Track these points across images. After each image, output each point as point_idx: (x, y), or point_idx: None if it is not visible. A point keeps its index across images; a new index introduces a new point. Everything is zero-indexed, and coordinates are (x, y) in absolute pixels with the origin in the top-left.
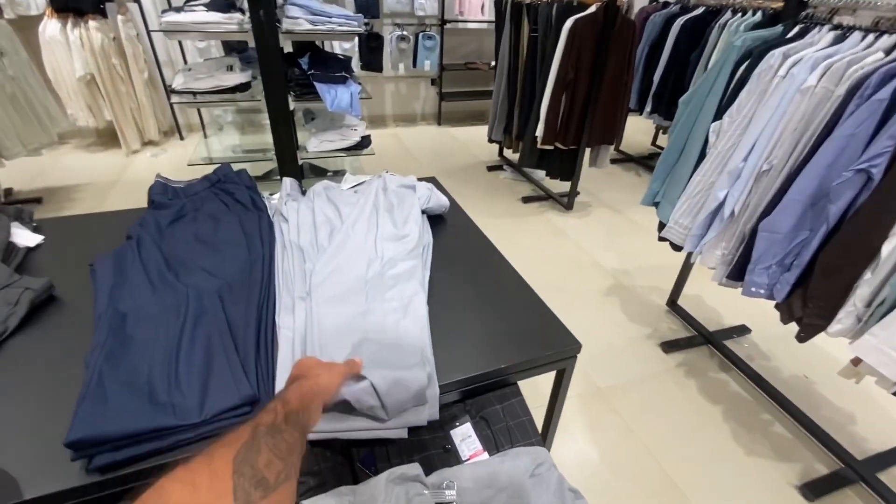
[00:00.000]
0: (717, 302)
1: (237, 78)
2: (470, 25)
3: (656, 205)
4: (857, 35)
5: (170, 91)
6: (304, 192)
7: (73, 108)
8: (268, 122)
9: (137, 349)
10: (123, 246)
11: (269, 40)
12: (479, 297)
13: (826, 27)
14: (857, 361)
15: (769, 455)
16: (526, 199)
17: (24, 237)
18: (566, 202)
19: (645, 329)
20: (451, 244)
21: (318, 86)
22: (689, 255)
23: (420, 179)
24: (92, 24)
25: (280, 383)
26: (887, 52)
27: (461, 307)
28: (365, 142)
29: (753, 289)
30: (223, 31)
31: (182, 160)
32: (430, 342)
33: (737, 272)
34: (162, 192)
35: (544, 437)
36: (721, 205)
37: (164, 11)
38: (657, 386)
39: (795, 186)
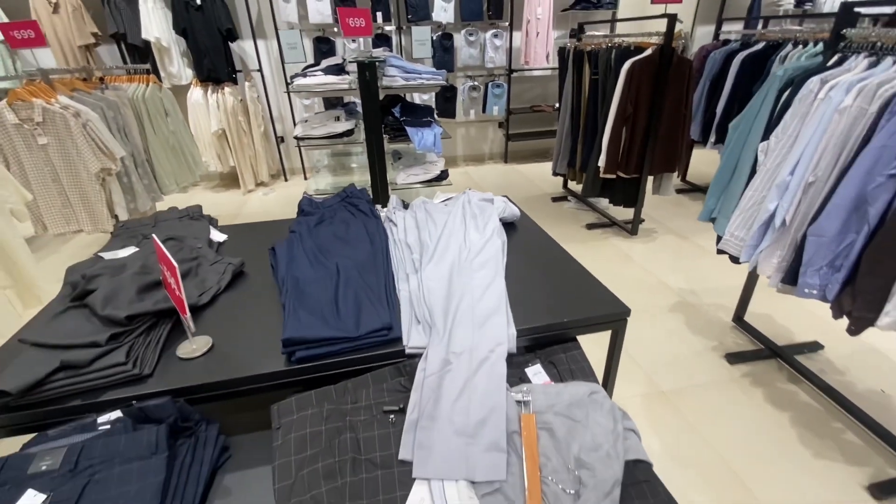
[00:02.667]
0: (786, 319)
1: (344, 126)
2: (535, 73)
3: (713, 221)
4: (888, 60)
5: (295, 138)
6: (405, 206)
7: (206, 156)
8: (355, 164)
9: (311, 297)
10: (290, 237)
11: (371, 94)
12: (544, 275)
13: (862, 55)
14: None
15: (838, 458)
16: (590, 226)
17: (217, 235)
18: (630, 228)
19: (710, 342)
20: (521, 241)
21: (408, 129)
22: (753, 270)
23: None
24: (226, 89)
25: (405, 319)
26: None
27: (531, 281)
28: (443, 175)
29: (807, 290)
30: (338, 90)
31: (286, 197)
32: (508, 305)
33: (791, 277)
34: (308, 204)
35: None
36: (772, 216)
37: (293, 77)
38: (721, 392)
39: (838, 193)
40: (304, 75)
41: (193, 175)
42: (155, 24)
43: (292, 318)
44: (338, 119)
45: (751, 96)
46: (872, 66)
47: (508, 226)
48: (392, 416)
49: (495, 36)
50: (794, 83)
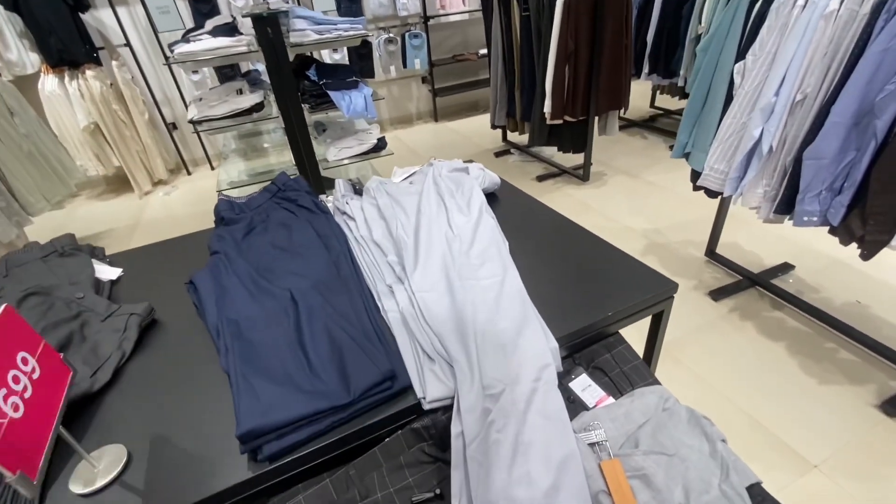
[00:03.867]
0: (754, 245)
1: (251, 99)
2: (452, 18)
3: (687, 156)
4: None
5: (191, 122)
6: (358, 192)
7: (81, 158)
8: (267, 145)
9: (262, 349)
10: (213, 261)
11: (279, 56)
12: (563, 260)
13: None
14: None
15: (842, 381)
16: (541, 178)
17: (105, 271)
18: (582, 174)
19: (690, 281)
20: (515, 217)
21: (332, 94)
22: (723, 202)
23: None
24: (89, 73)
25: (407, 357)
26: None
27: (548, 271)
28: (381, 143)
29: (806, 218)
30: (234, 54)
31: (193, 194)
32: (534, 307)
33: (784, 206)
34: (228, 208)
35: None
36: (758, 142)
37: (171, 45)
38: (715, 333)
39: (836, 110)
40: (187, 41)
41: (66, 185)
42: None
43: (245, 393)
44: (240, 92)
45: (679, 20)
46: None
47: (490, 197)
48: None
49: None
50: None
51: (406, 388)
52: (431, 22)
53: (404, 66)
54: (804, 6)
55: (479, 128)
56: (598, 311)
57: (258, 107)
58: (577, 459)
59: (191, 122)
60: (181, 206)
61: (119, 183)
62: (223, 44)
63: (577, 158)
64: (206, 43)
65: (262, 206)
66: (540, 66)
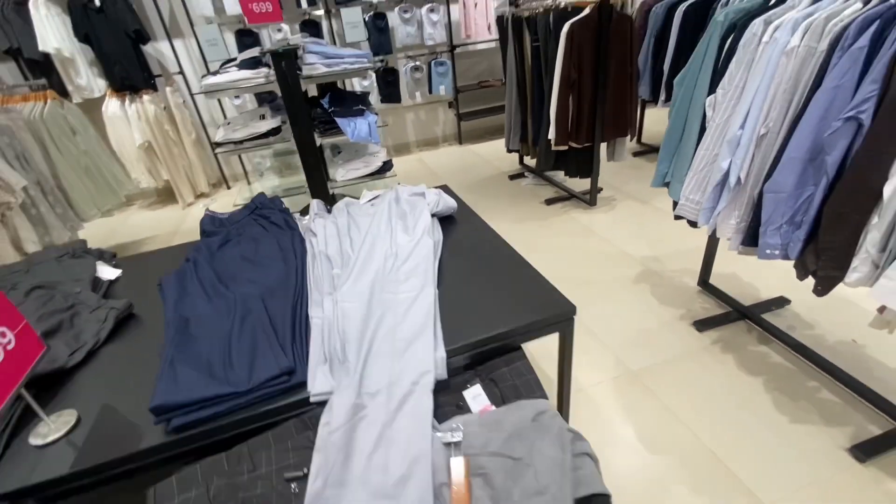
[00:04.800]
0: (752, 278)
1: (269, 124)
2: (479, 46)
3: (667, 185)
4: None
5: (213, 144)
6: (329, 211)
7: (135, 172)
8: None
9: (198, 342)
10: (183, 267)
11: (292, 87)
12: (484, 277)
13: None
14: (882, 309)
15: (816, 421)
16: (549, 202)
17: (107, 272)
18: (589, 199)
19: (677, 311)
20: (459, 237)
21: (338, 121)
22: (714, 232)
23: (440, 186)
24: (146, 97)
25: (312, 358)
26: (865, 2)
27: (468, 286)
28: (387, 166)
29: (768, 251)
30: (253, 85)
31: (229, 207)
32: (438, 319)
33: (750, 237)
34: (211, 223)
35: (560, 398)
36: (726, 174)
37: (203, 76)
38: (693, 363)
39: (792, 144)
40: (217, 72)
41: (117, 196)
42: (52, 33)
43: (166, 376)
44: (263, 117)
45: (694, 49)
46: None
47: (447, 220)
48: (294, 484)
49: (431, 11)
50: (737, 28)
51: (303, 384)
52: (458, 50)
53: (430, 91)
54: (768, 42)
55: (499, 151)
56: (499, 325)
57: (275, 131)
58: (429, 456)
59: (214, 143)
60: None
61: (167, 195)
62: (244, 76)
63: (587, 183)
64: (230, 75)
65: (241, 221)
66: (547, 93)
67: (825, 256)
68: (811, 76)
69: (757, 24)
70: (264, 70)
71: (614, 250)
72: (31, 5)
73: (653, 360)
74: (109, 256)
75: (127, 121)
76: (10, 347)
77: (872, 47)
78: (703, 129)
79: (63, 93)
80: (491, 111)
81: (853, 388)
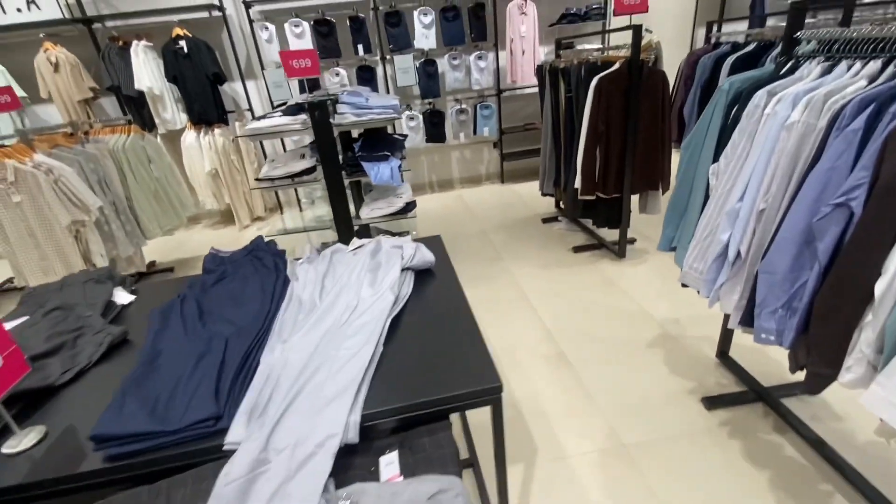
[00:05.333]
0: (780, 355)
1: (304, 164)
2: (527, 91)
3: (674, 249)
4: (843, 65)
5: (256, 179)
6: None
7: (202, 195)
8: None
9: (156, 377)
10: (172, 300)
11: (324, 133)
12: (431, 339)
13: (817, 59)
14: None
15: None
16: (577, 249)
17: (122, 297)
18: (618, 250)
19: (688, 383)
20: (428, 293)
21: (364, 164)
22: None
23: (423, 239)
24: (217, 130)
25: (243, 405)
26: (871, 80)
27: (414, 347)
28: (409, 207)
29: (763, 335)
30: (290, 131)
31: (281, 231)
32: (367, 381)
33: (747, 317)
34: (212, 260)
35: (499, 469)
36: (726, 247)
37: (252, 118)
38: (692, 445)
39: (786, 224)
40: (264, 116)
41: (179, 217)
42: (147, 74)
43: (113, 407)
44: (303, 156)
45: None
46: (826, 71)
47: (426, 273)
48: None
49: (479, 58)
50: (742, 97)
51: (225, 430)
52: (505, 94)
53: (474, 132)
54: (770, 115)
55: (538, 192)
56: (429, 392)
57: (309, 171)
58: None
59: (256, 179)
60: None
61: (227, 216)
62: (283, 122)
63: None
64: (271, 120)
65: (239, 260)
66: (576, 143)
67: (815, 352)
68: (810, 153)
69: (760, 94)
70: (301, 117)
71: (634, 308)
72: (132, 50)
73: (649, 435)
74: (130, 282)
75: (200, 150)
76: None
77: (867, 130)
78: (707, 197)
79: (152, 124)
80: (534, 152)
81: (871, 500)
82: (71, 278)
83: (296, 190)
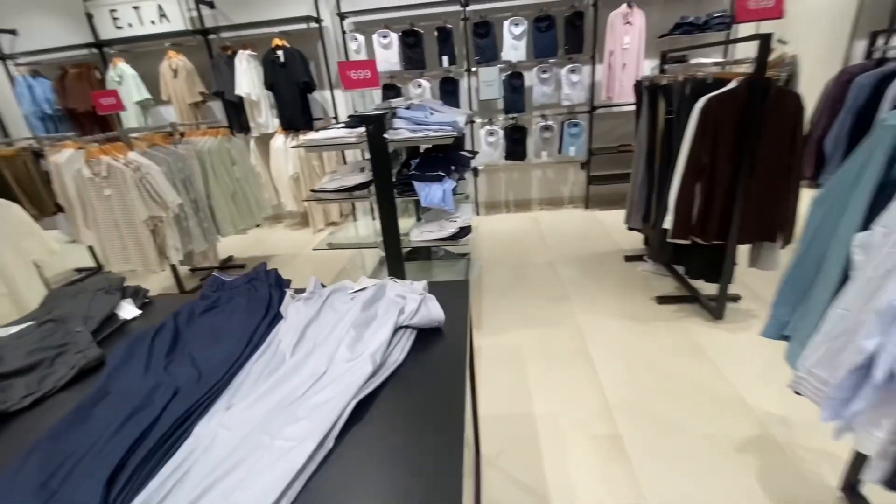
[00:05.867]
0: None
1: (359, 179)
2: (624, 108)
3: (785, 338)
4: None
5: (312, 191)
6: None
7: (284, 197)
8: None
9: (79, 432)
10: (147, 330)
11: (377, 148)
12: (404, 433)
13: None
14: None
15: None
16: (662, 300)
17: (127, 311)
18: (715, 308)
19: None
20: (424, 361)
21: (415, 184)
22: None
23: (447, 284)
24: (302, 137)
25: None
26: None
27: (374, 448)
28: (462, 233)
29: None
30: (345, 144)
31: (349, 238)
32: (288, 496)
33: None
34: (210, 286)
35: None
36: (871, 361)
37: (314, 130)
38: None
39: None
40: (326, 128)
41: (255, 218)
42: (246, 81)
43: (13, 469)
44: (362, 170)
45: None
46: None
47: (433, 332)
48: None
49: (572, 71)
50: None
51: None
52: (600, 111)
53: (559, 151)
54: None
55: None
56: None
57: (361, 186)
58: None
59: (311, 190)
60: (351, 231)
61: (305, 220)
62: (339, 134)
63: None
64: (328, 133)
65: (238, 288)
66: (671, 175)
67: None
68: None
69: None
70: (358, 130)
71: (728, 392)
72: (237, 59)
73: None
74: (142, 295)
75: (285, 154)
76: None
77: None
78: (845, 276)
79: (247, 128)
80: (626, 177)
81: None
82: (88, 284)
83: (353, 204)
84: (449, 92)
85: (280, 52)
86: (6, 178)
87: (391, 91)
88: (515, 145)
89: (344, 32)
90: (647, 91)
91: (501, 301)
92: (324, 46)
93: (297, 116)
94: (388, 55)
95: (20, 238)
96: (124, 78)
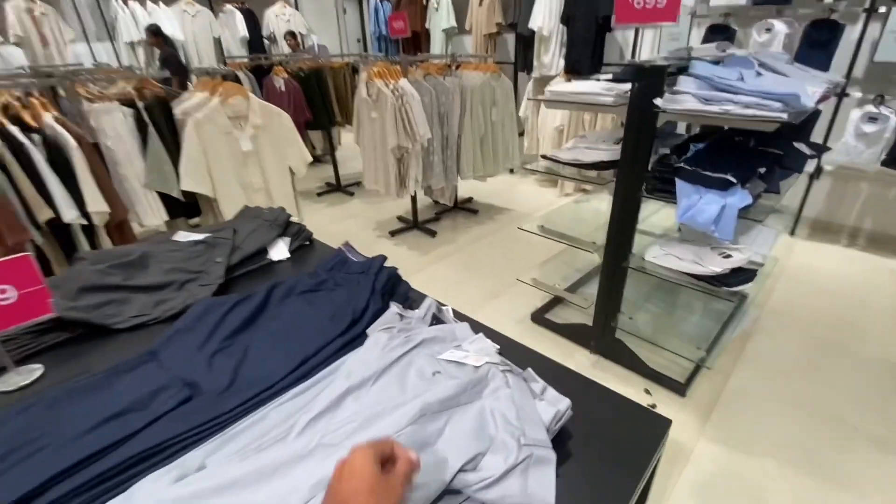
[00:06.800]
0: None
1: (601, 155)
2: None
3: None
4: None
5: (542, 157)
6: (436, 318)
7: (544, 149)
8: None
9: (75, 408)
10: (230, 297)
11: (638, 118)
12: None
13: None
14: None
15: None
16: None
17: (278, 251)
18: None
19: None
20: None
21: (679, 184)
22: None
23: (645, 414)
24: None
25: None
26: None
27: None
28: (737, 280)
29: None
30: (598, 104)
31: (596, 213)
32: None
33: None
34: (332, 260)
35: None
36: None
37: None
38: None
39: None
40: (570, 80)
41: (498, 167)
42: (542, 13)
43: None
44: (617, 142)
45: None
46: None
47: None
48: None
49: None
50: None
51: None
52: None
53: None
54: None
55: None
56: None
57: (601, 166)
58: None
59: (541, 156)
60: (582, 215)
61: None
62: (591, 90)
63: None
64: (581, 85)
65: (353, 275)
66: None
67: None
68: None
69: None
70: (620, 87)
71: None
72: None
73: None
74: (305, 237)
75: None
76: (5, 303)
77: None
78: None
79: (531, 66)
80: None
81: None
82: (258, 211)
83: None
84: (819, 43)
85: None
86: (328, 85)
87: (721, 34)
88: None
89: None
90: None
91: (766, 395)
92: None
93: (584, 59)
94: None
95: (285, 144)
96: (441, 5)
